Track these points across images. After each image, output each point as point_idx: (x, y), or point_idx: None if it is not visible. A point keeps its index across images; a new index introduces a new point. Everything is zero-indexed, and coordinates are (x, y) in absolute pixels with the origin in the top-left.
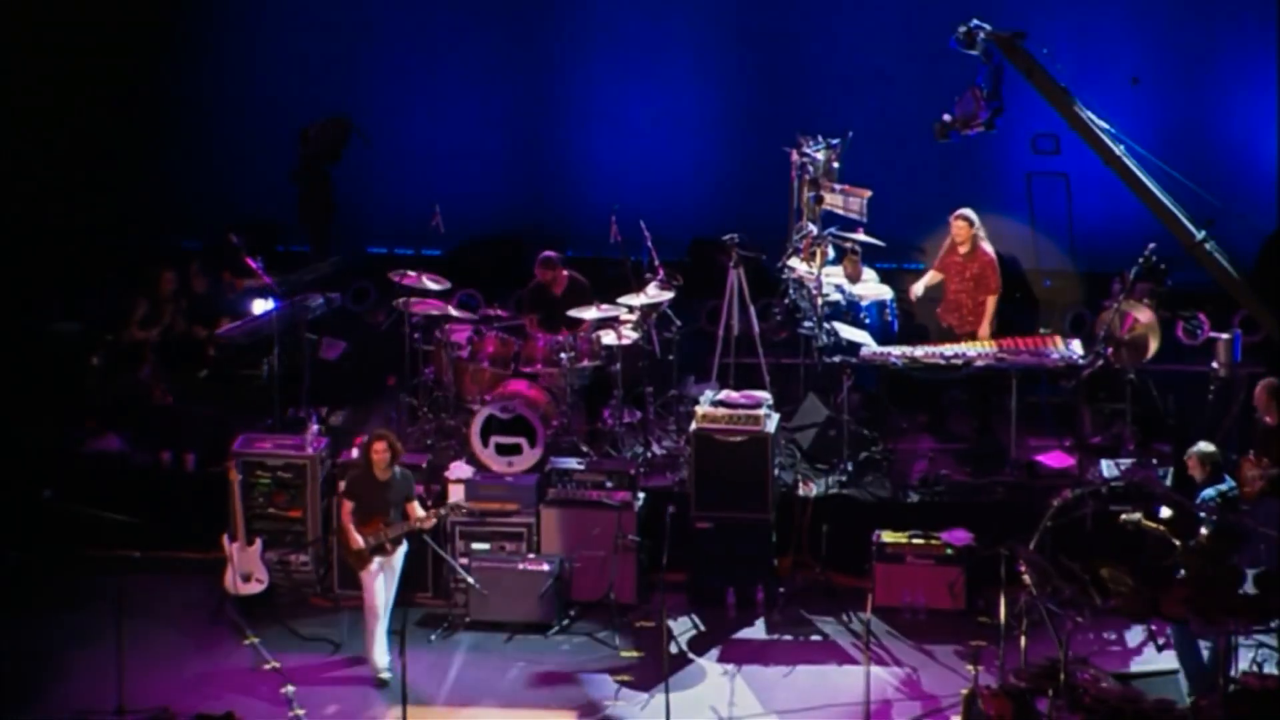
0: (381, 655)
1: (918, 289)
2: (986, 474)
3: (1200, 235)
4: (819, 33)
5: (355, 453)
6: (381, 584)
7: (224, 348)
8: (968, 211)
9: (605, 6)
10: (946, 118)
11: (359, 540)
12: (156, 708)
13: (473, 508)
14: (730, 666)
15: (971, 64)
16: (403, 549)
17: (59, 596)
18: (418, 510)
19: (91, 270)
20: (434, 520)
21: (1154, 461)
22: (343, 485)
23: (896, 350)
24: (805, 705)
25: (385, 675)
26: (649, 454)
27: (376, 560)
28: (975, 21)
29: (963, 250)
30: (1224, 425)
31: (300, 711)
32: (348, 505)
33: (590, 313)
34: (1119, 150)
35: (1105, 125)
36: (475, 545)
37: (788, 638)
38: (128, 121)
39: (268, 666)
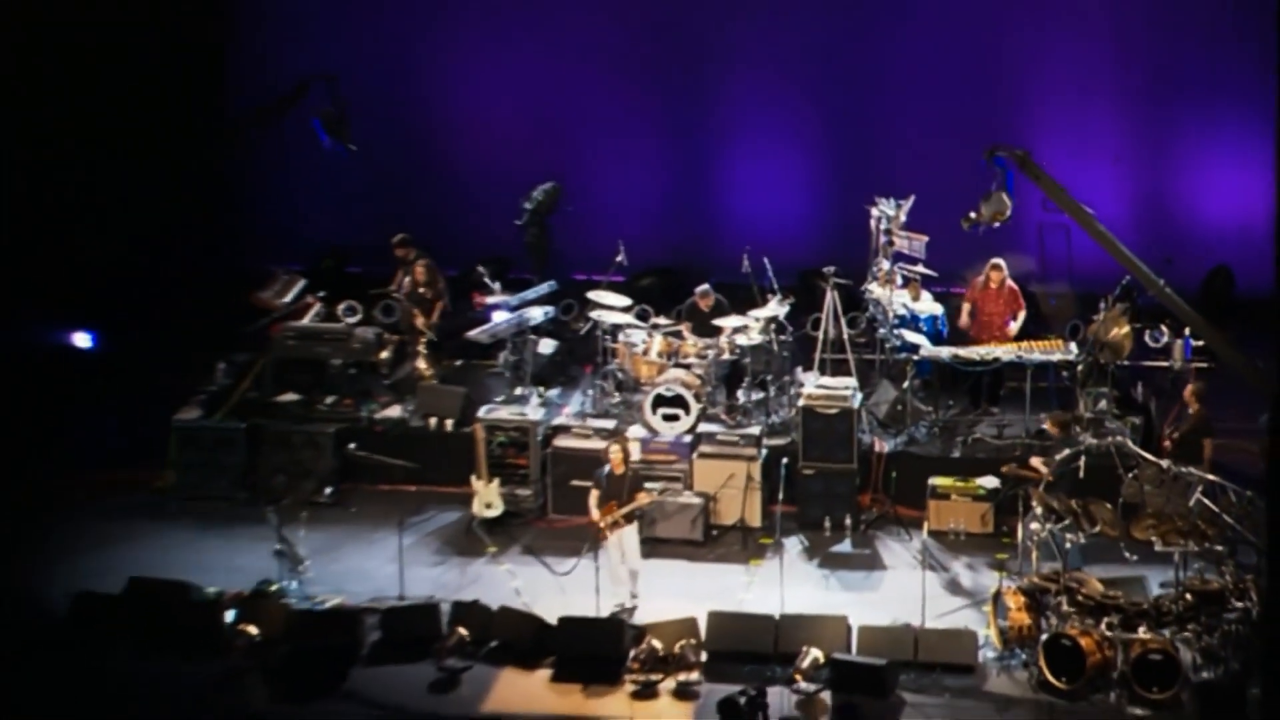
0: (619, 587)
1: (964, 319)
2: (1008, 437)
3: (1161, 282)
4: (893, 118)
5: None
6: (616, 545)
7: (473, 345)
8: (1000, 260)
9: (739, 98)
10: (973, 214)
11: (600, 518)
12: (425, 597)
13: (666, 501)
14: (826, 570)
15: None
16: (634, 525)
17: (359, 517)
18: (642, 496)
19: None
20: (651, 500)
21: (1127, 430)
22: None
23: (945, 350)
24: (880, 598)
25: (630, 603)
26: (770, 422)
27: (613, 535)
28: (996, 145)
29: (994, 286)
30: (1177, 404)
31: (525, 600)
32: (593, 494)
33: (728, 322)
34: (1101, 227)
35: (1090, 210)
36: (649, 485)
37: (866, 551)
38: (412, 186)
39: (503, 568)
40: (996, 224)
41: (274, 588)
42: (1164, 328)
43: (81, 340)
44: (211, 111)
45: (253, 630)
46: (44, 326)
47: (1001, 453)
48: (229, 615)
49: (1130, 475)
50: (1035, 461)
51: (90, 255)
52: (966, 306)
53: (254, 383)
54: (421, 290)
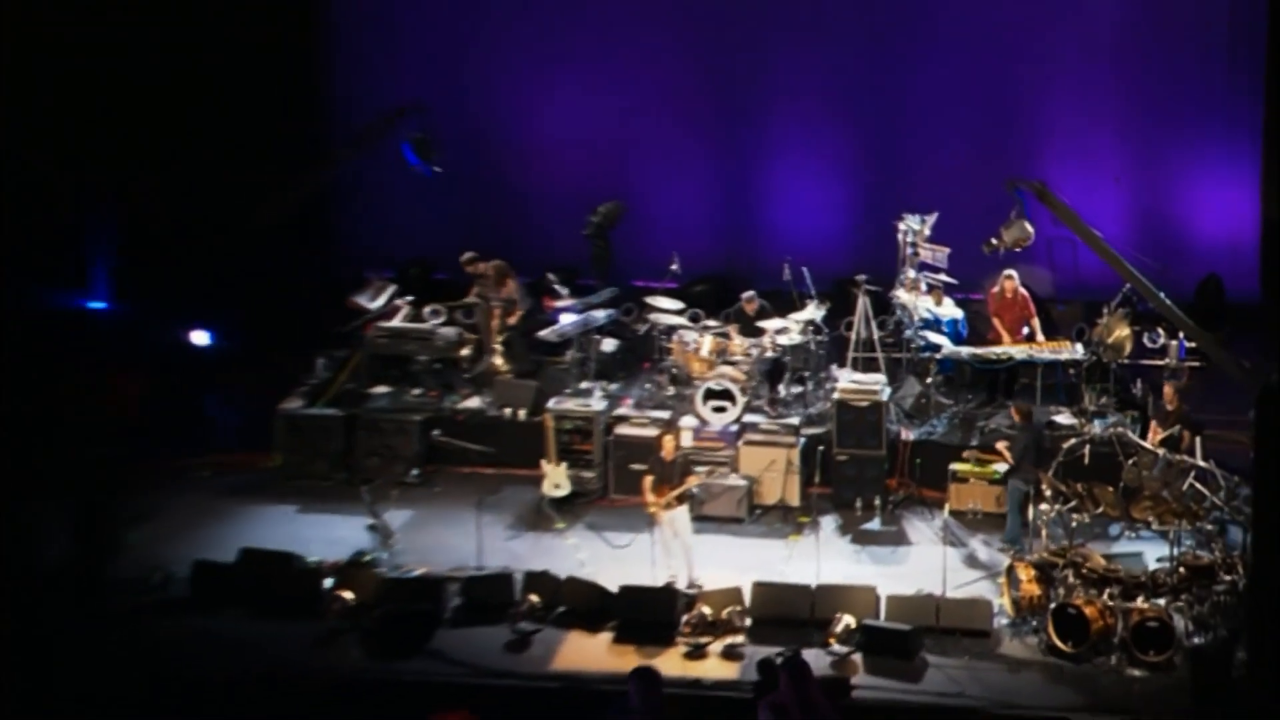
0: (672, 560)
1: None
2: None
3: (1162, 295)
4: (919, 143)
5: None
6: (669, 524)
7: (543, 344)
8: (1013, 271)
9: (782, 125)
10: (994, 241)
11: (655, 500)
12: (500, 567)
13: (714, 483)
14: (857, 546)
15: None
16: (685, 506)
17: (442, 496)
18: (692, 479)
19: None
20: (698, 482)
21: (1128, 421)
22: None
23: (965, 350)
24: (905, 570)
25: (690, 590)
26: (807, 413)
27: (666, 514)
28: (1016, 178)
29: (1009, 296)
30: (1162, 402)
31: (589, 570)
32: (647, 479)
33: (771, 324)
34: (1107, 247)
35: (1098, 233)
36: (699, 468)
37: (893, 529)
38: (490, 202)
39: (570, 542)
40: (1018, 249)
41: (367, 558)
42: (1160, 330)
43: (200, 338)
44: (315, 137)
45: (348, 596)
46: (171, 325)
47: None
48: (327, 582)
49: (1130, 462)
50: (1000, 445)
51: (209, 263)
52: (996, 321)
53: (350, 376)
54: (497, 297)
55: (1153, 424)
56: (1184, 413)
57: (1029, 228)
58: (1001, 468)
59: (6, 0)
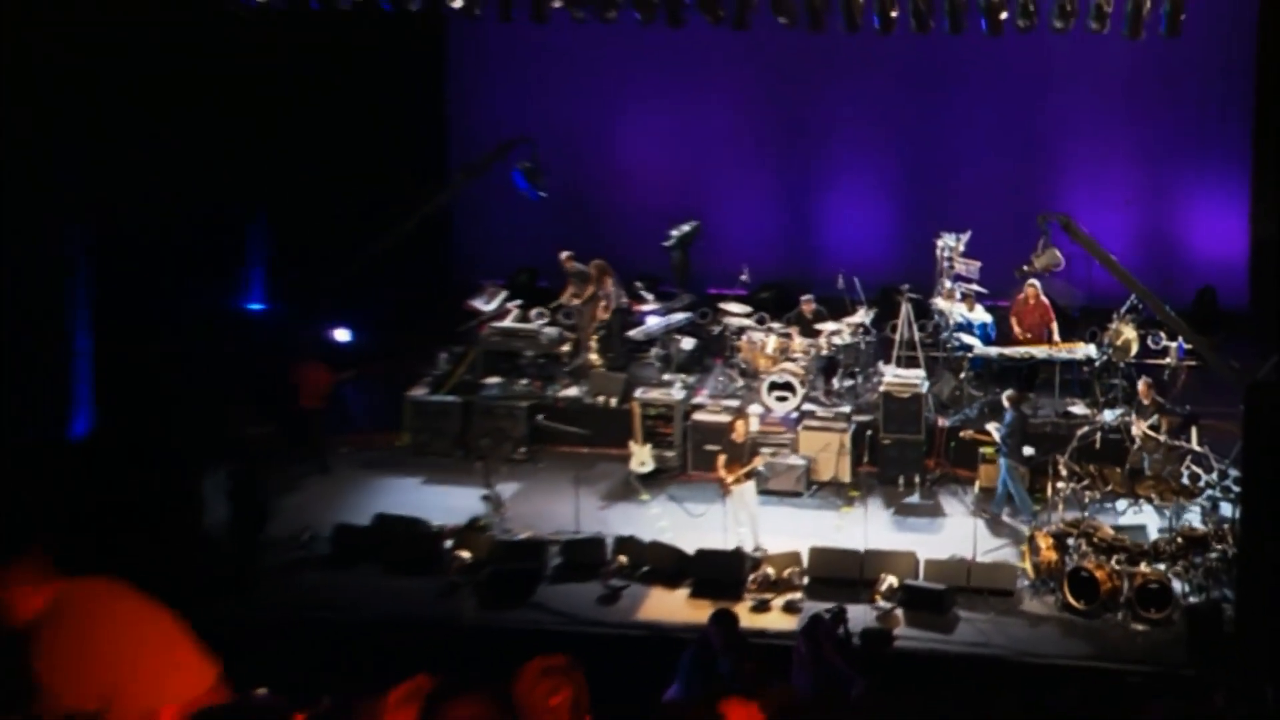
0: (741, 529)
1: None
2: (1040, 416)
3: (1167, 308)
4: (955, 171)
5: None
6: (739, 497)
7: (631, 342)
8: (1035, 281)
9: (837, 154)
10: (1026, 267)
11: (727, 476)
12: (594, 532)
13: (777, 462)
14: (900, 517)
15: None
16: (752, 481)
17: (545, 471)
18: (759, 459)
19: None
20: (763, 461)
21: (1133, 411)
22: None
23: (993, 350)
24: (940, 538)
25: (755, 554)
26: (857, 402)
27: (736, 488)
28: (1046, 213)
29: (1032, 303)
30: (1171, 393)
31: (670, 534)
32: (720, 458)
33: (827, 326)
34: (1121, 268)
35: (1113, 256)
36: (764, 449)
37: (930, 502)
38: (586, 219)
39: (653, 511)
40: (1048, 273)
41: (481, 523)
42: (1162, 334)
43: (342, 335)
44: (438, 165)
45: (465, 555)
46: (317, 324)
47: (1034, 429)
48: (447, 543)
49: (1135, 446)
50: (990, 427)
51: (348, 271)
52: (1014, 322)
53: (467, 368)
54: (601, 291)
55: (1134, 417)
56: (1159, 404)
57: (1058, 255)
58: (1026, 450)
59: (201, 52)
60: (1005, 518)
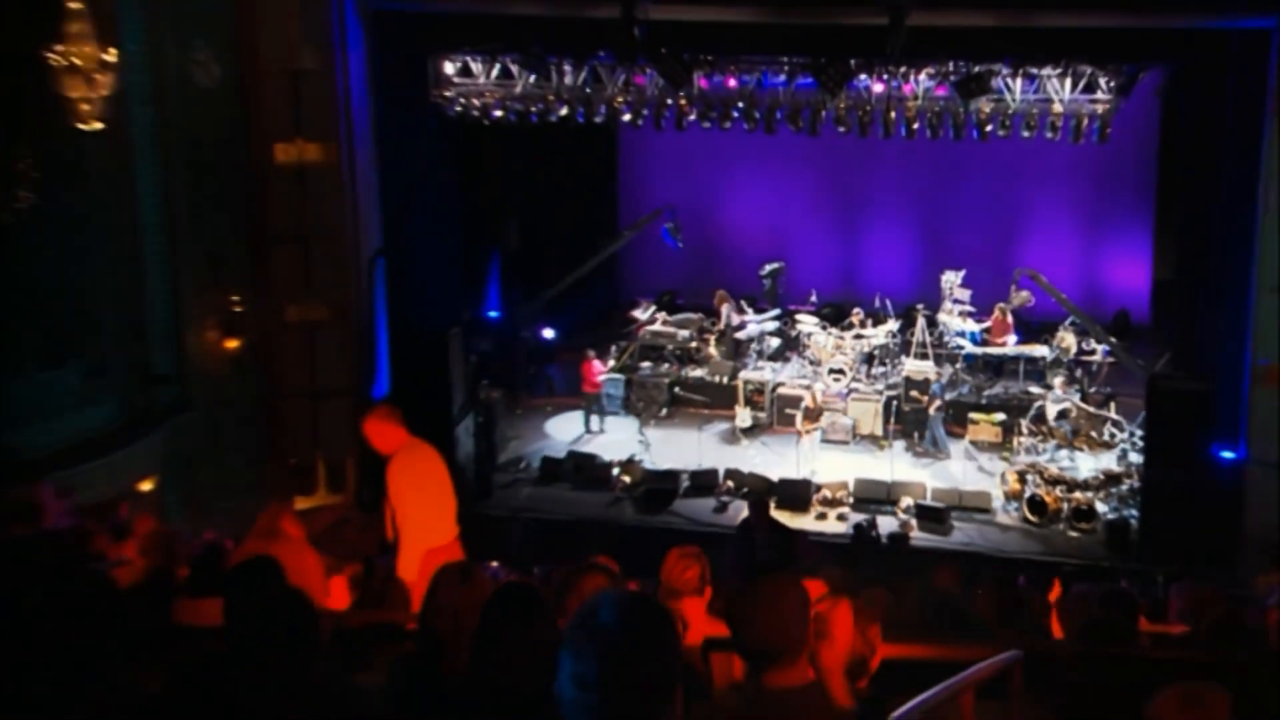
0: (807, 463)
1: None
2: (1008, 393)
3: (1096, 324)
4: (956, 225)
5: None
6: (807, 442)
7: (737, 340)
8: (1003, 304)
9: (878, 209)
10: (1003, 305)
11: (799, 429)
12: (710, 466)
13: (836, 421)
14: (914, 459)
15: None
16: (818, 433)
17: (678, 424)
18: (823, 419)
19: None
20: (825, 421)
21: (1074, 391)
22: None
23: (979, 349)
24: (943, 472)
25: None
26: (888, 383)
27: (806, 438)
28: (1021, 269)
29: (1002, 319)
30: (1098, 379)
31: (761, 467)
32: (797, 416)
33: (867, 332)
34: (1069, 302)
35: (1063, 294)
36: (825, 413)
37: (934, 449)
38: (708, 258)
39: (750, 452)
40: (1022, 308)
41: (637, 458)
42: (1092, 340)
43: (548, 333)
44: (612, 223)
45: (626, 479)
46: (534, 327)
47: (1005, 401)
48: (614, 471)
49: (1074, 415)
50: (932, 388)
51: (553, 291)
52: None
53: (629, 356)
54: (732, 310)
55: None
56: (1081, 389)
57: (1028, 295)
58: (999, 416)
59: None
60: (990, 461)
